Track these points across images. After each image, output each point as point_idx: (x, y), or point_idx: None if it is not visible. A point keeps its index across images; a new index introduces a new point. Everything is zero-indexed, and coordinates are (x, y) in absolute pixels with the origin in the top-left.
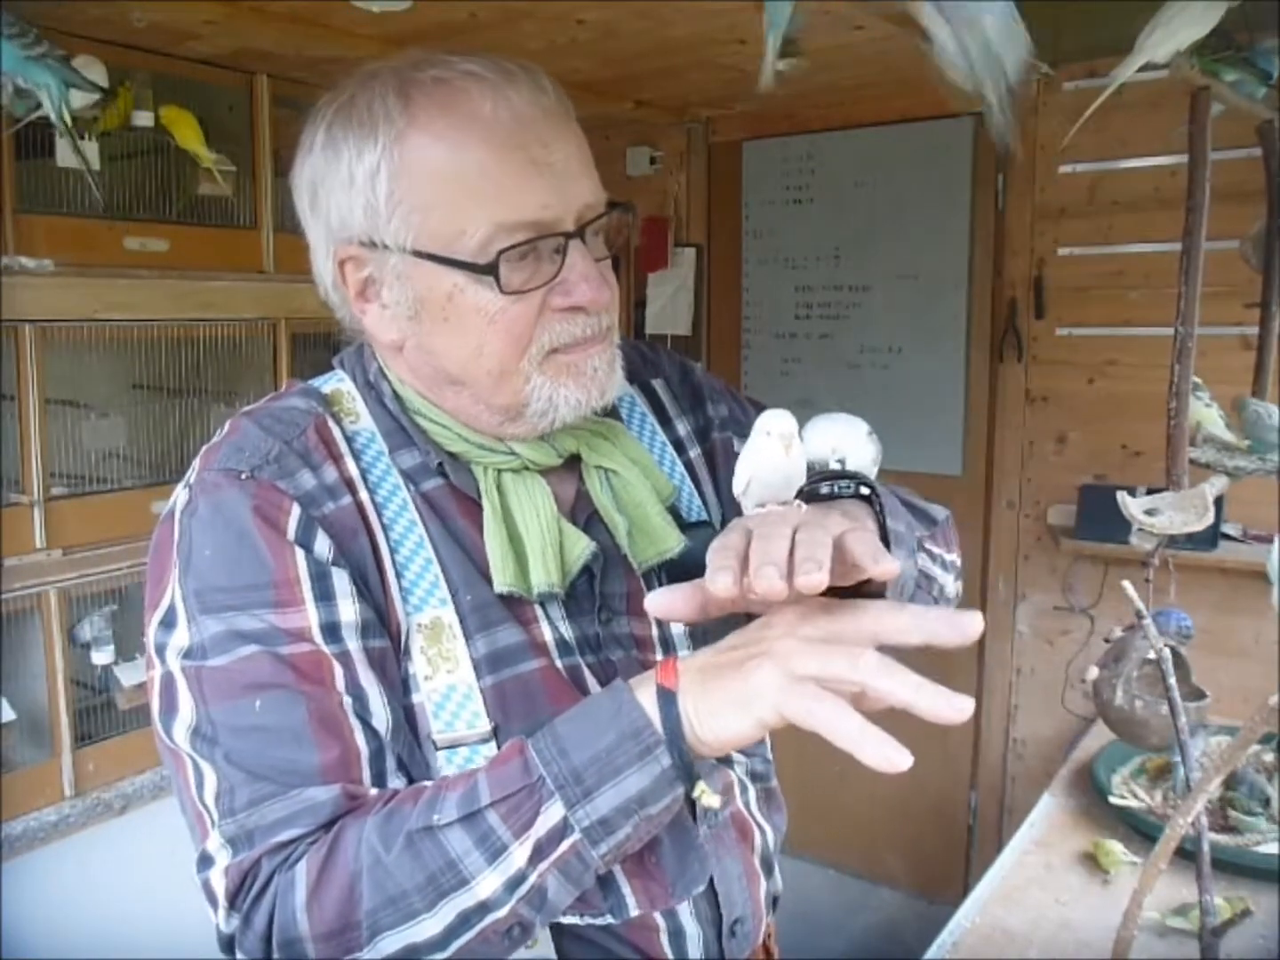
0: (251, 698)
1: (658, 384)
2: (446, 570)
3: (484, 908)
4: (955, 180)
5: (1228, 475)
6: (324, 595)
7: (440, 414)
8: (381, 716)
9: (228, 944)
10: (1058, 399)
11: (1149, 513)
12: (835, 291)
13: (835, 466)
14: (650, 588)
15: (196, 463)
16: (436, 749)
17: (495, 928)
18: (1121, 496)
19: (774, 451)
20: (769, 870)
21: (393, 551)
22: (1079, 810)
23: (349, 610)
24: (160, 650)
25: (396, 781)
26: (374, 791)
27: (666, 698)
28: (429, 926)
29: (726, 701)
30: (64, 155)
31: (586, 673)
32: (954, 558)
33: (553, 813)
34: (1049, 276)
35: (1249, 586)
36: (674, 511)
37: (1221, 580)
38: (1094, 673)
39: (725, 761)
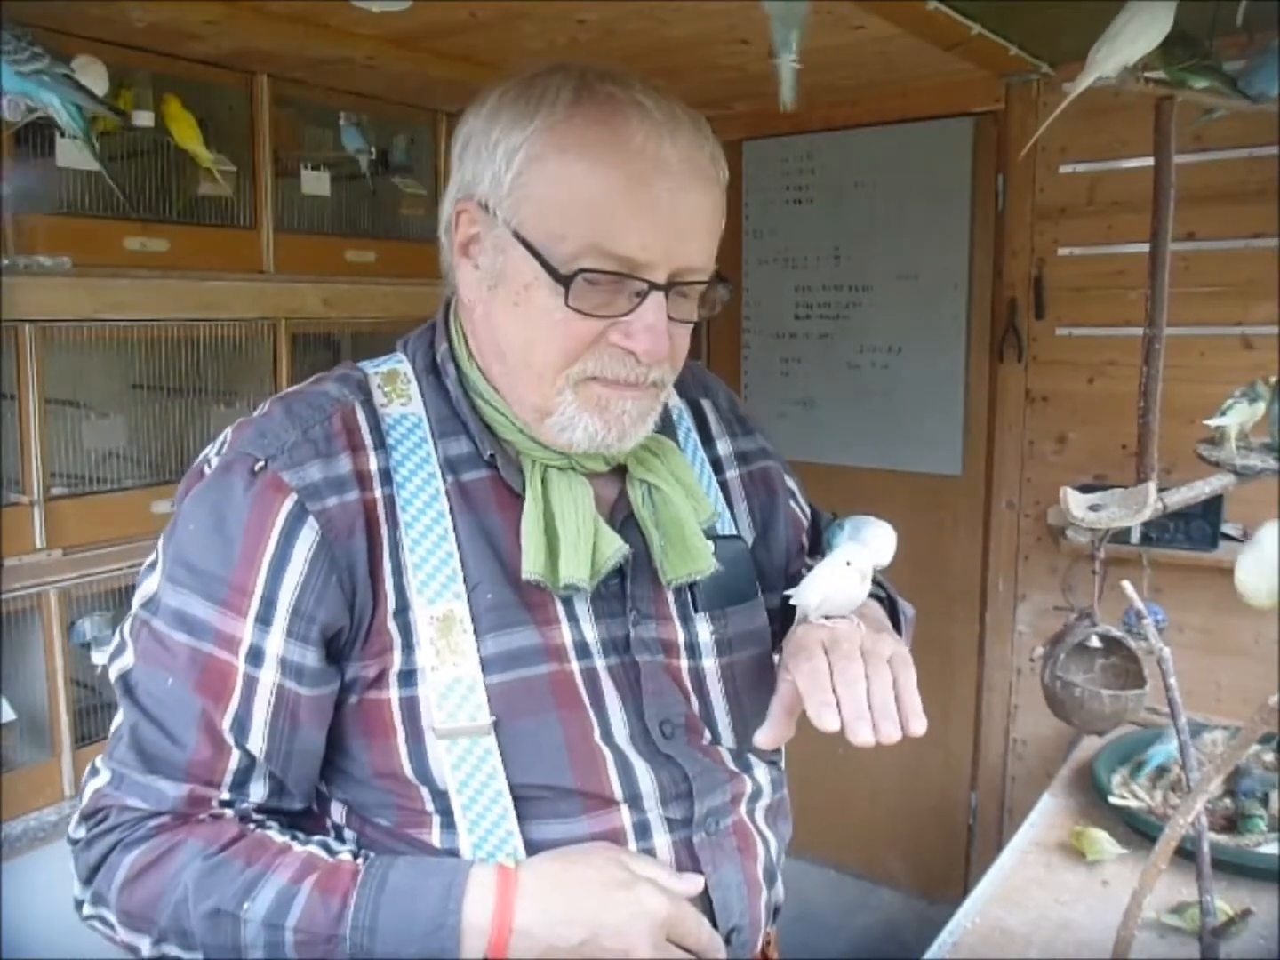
0: (165, 675)
1: (705, 404)
2: (467, 565)
3: None
4: (955, 180)
5: (1235, 474)
6: (263, 619)
7: (498, 399)
8: (258, 745)
9: (71, 840)
10: (1058, 399)
11: (1093, 508)
12: (835, 291)
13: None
14: (680, 599)
15: (229, 433)
16: (438, 738)
17: None
18: (1064, 491)
19: (851, 581)
20: (771, 880)
21: (406, 546)
22: (1079, 810)
23: (278, 644)
24: (136, 586)
25: (258, 790)
26: (224, 798)
27: None
28: None
29: None
30: (64, 155)
31: (604, 676)
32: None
33: None
34: (1049, 276)
35: None
36: (708, 531)
37: (1221, 580)
38: (1038, 651)
39: (746, 767)
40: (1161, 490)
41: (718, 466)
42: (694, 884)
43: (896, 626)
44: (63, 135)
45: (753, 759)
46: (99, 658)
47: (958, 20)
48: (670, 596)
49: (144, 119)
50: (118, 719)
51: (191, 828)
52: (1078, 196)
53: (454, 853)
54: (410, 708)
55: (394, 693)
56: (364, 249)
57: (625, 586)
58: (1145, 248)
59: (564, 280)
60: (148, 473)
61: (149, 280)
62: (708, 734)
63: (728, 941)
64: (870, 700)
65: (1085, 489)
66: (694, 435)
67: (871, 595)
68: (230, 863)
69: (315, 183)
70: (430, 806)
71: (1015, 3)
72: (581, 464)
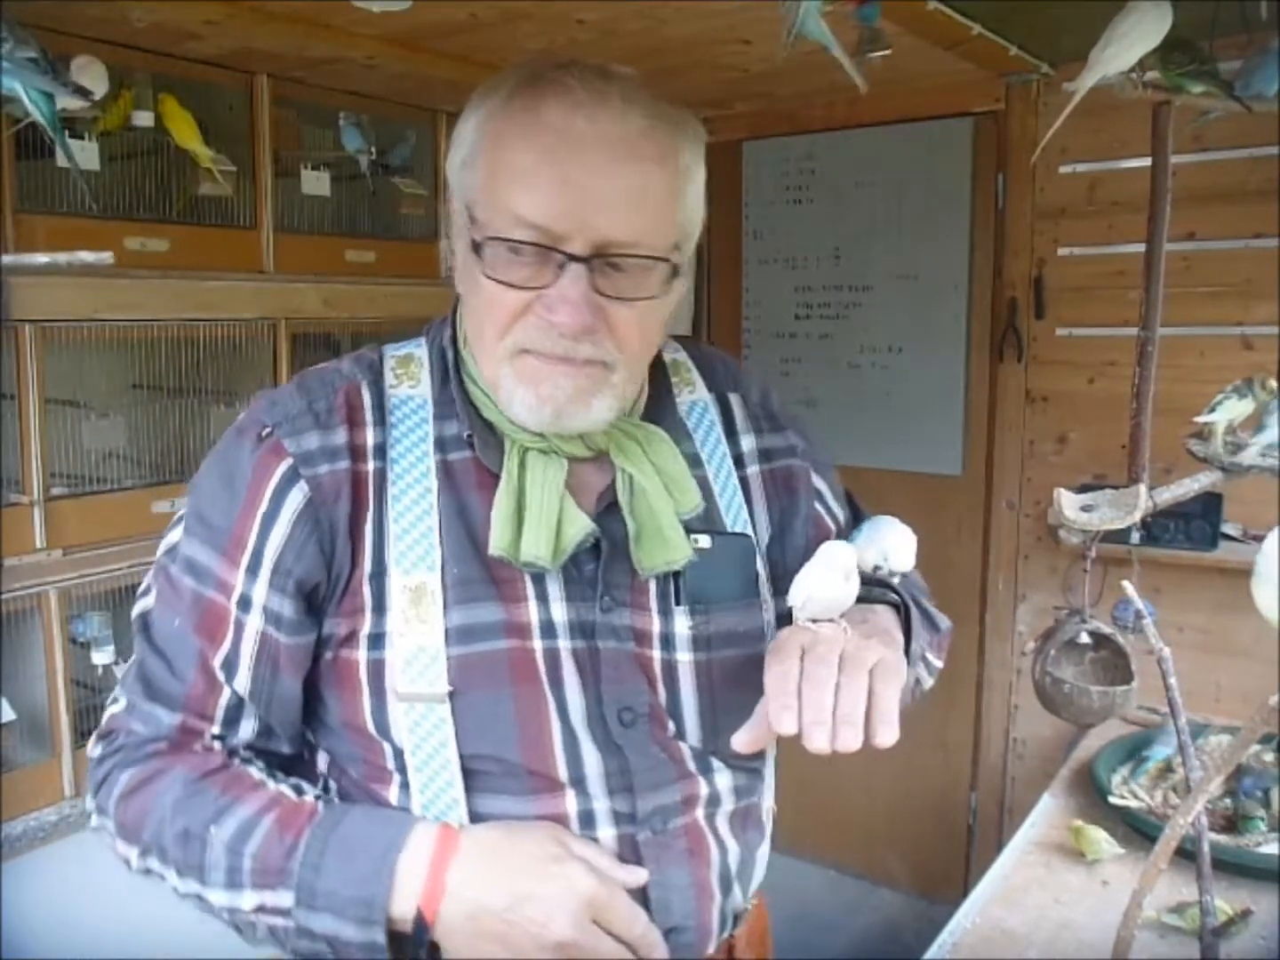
0: (173, 615)
1: (734, 398)
2: (443, 539)
3: (209, 905)
4: (955, 180)
5: (1223, 470)
6: (252, 570)
7: (484, 380)
8: (244, 684)
9: (89, 756)
10: (1058, 399)
11: (1085, 509)
12: (835, 291)
13: (883, 571)
14: (662, 590)
15: (251, 402)
16: (399, 700)
17: (218, 916)
18: (1057, 493)
19: (833, 582)
20: (727, 888)
21: (391, 518)
22: (1079, 810)
23: (263, 593)
24: (163, 537)
25: (247, 728)
26: (216, 732)
27: (419, 922)
28: (175, 881)
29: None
30: (64, 155)
31: (566, 657)
32: (939, 662)
33: (283, 897)
34: (1049, 276)
35: (1249, 586)
36: (710, 519)
37: (1221, 580)
38: (1029, 647)
39: (706, 769)
40: (1155, 489)
41: (739, 462)
42: (635, 876)
43: (909, 634)
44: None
45: (716, 762)
46: (99, 658)
47: (958, 20)
48: (652, 586)
49: (144, 119)
50: (135, 653)
51: (182, 756)
52: (1078, 196)
53: (407, 812)
54: (376, 669)
55: (363, 653)
56: (364, 249)
57: (599, 572)
58: (1145, 248)
59: (476, 248)
60: (148, 473)
61: (149, 280)
62: (672, 727)
63: (665, 940)
64: (837, 707)
65: (1085, 489)
66: (717, 429)
67: (881, 601)
68: (207, 790)
69: (315, 183)
70: (391, 764)
71: (1015, 3)
72: (559, 447)
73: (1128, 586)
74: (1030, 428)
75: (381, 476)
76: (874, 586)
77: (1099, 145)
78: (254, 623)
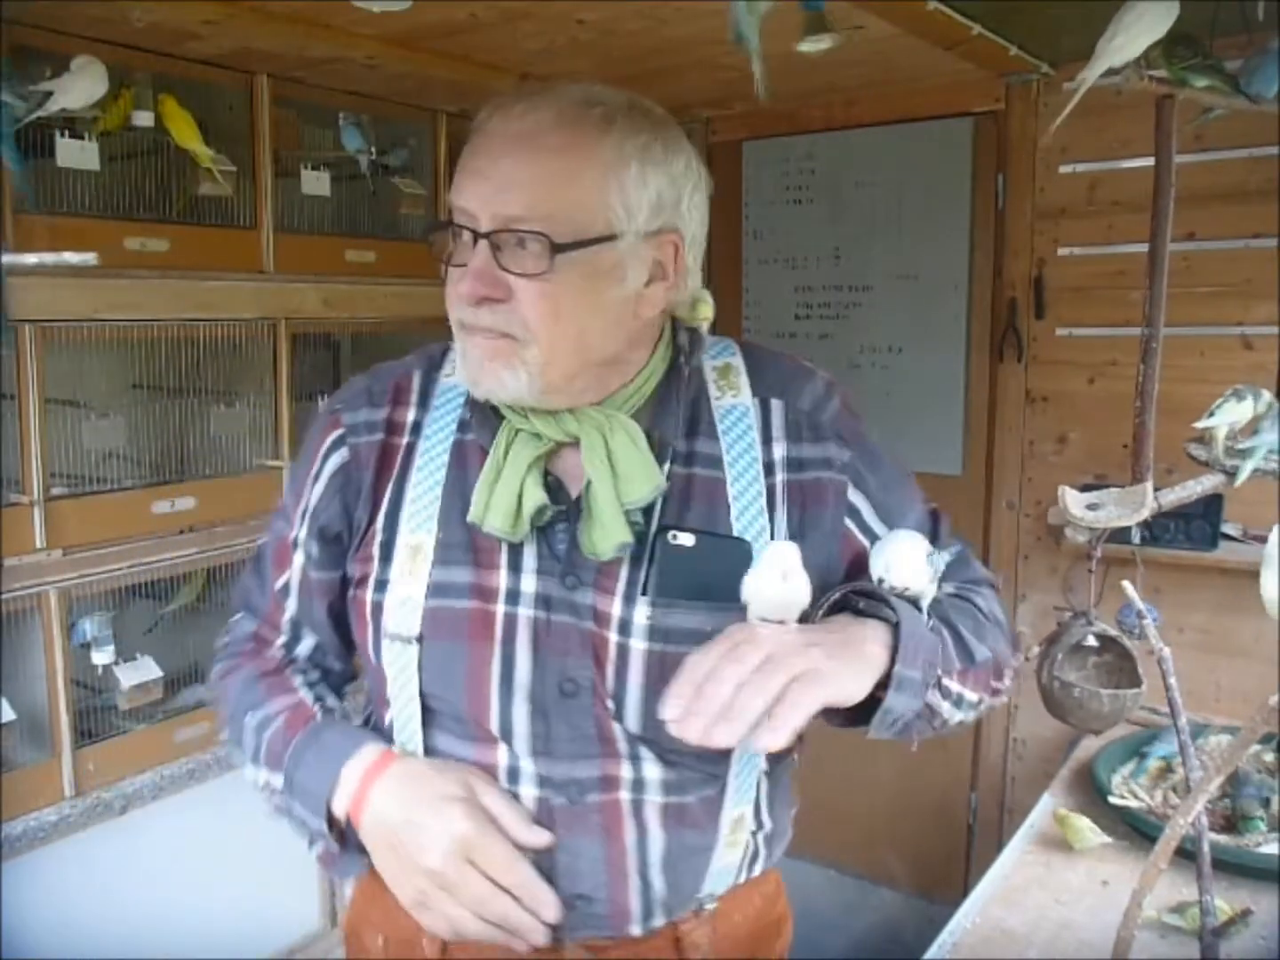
0: (267, 548)
1: (776, 403)
2: (443, 507)
3: (246, 777)
4: (955, 180)
5: (1225, 474)
6: (302, 517)
7: None
8: (293, 607)
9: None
10: (1058, 399)
11: (1091, 507)
12: (835, 291)
13: (886, 585)
14: (632, 576)
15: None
16: (385, 637)
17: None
18: (1062, 490)
19: (771, 580)
20: (647, 874)
21: (410, 484)
22: (1079, 810)
23: (303, 536)
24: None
25: (307, 644)
26: (282, 642)
27: (348, 821)
28: (234, 750)
29: (378, 865)
30: (64, 155)
31: (523, 623)
32: (975, 695)
33: (277, 780)
34: (1049, 276)
35: (1249, 586)
36: (713, 520)
37: (1221, 580)
38: (1034, 651)
39: (635, 755)
40: (1158, 490)
41: (769, 469)
42: (537, 837)
43: (905, 651)
44: (62, 135)
45: (647, 751)
46: (99, 658)
47: (958, 20)
48: (623, 572)
49: (144, 119)
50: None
51: (254, 658)
52: (1078, 196)
53: (376, 733)
54: (377, 609)
55: (369, 595)
56: (364, 249)
57: (567, 550)
58: (1145, 247)
59: (426, 229)
60: (148, 473)
61: (149, 280)
62: (611, 707)
63: (572, 906)
64: (733, 703)
65: (1086, 489)
66: (752, 434)
67: (876, 615)
68: (256, 687)
69: (315, 183)
70: (386, 693)
71: (1015, 3)
72: (539, 429)
73: (1128, 587)
74: (1030, 428)
75: (410, 450)
76: (876, 601)
77: (1099, 145)
78: (299, 559)
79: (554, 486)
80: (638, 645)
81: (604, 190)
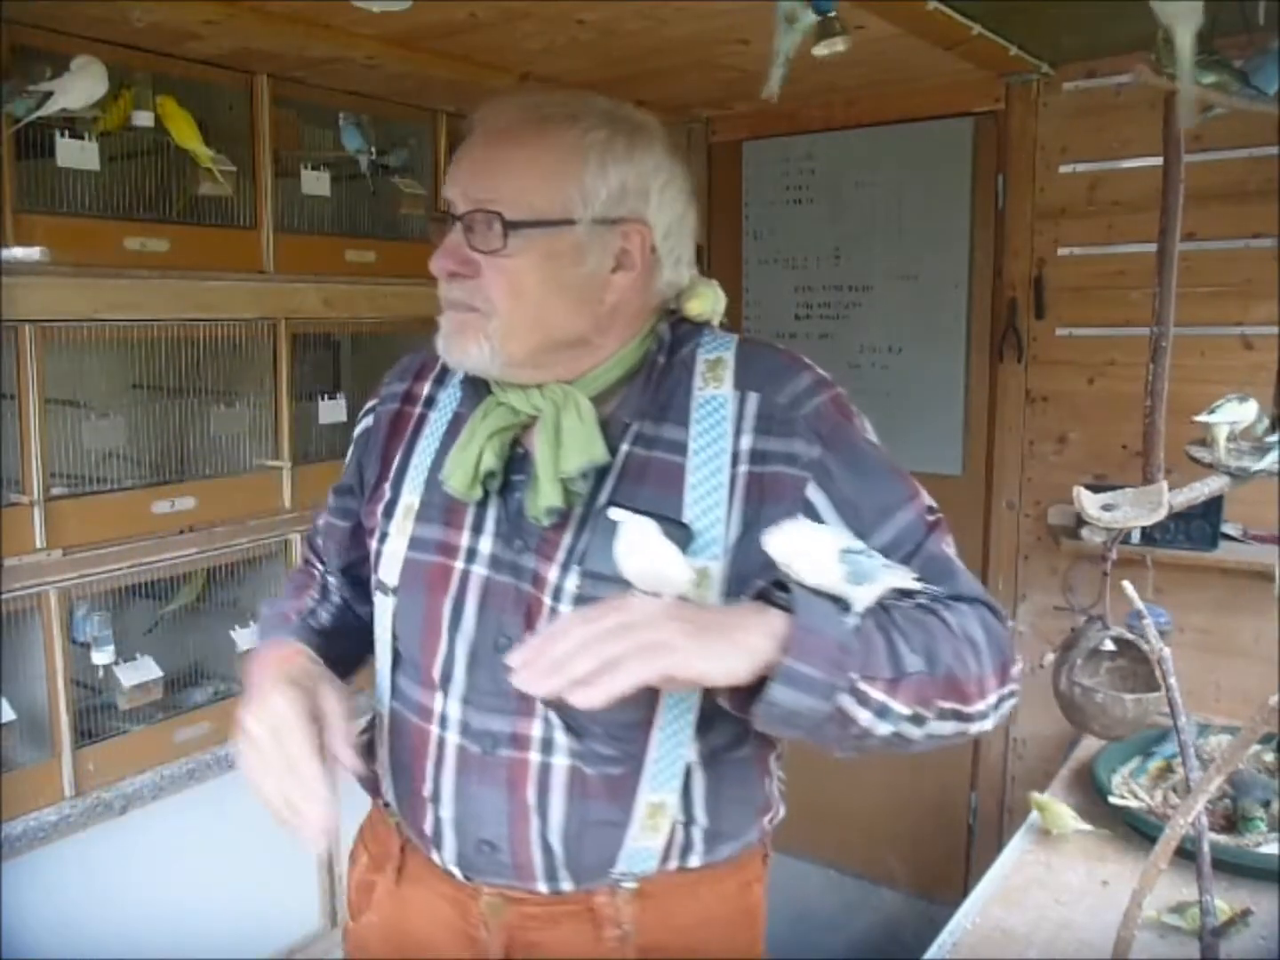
0: (326, 500)
1: (753, 396)
2: (431, 472)
3: None
4: (955, 180)
5: (1230, 475)
6: (345, 470)
7: None
8: (321, 543)
9: None
10: (1058, 399)
11: (1106, 508)
12: (835, 291)
13: (792, 576)
14: (574, 546)
15: None
16: (376, 587)
17: None
18: (1077, 490)
19: (621, 555)
20: (547, 835)
21: (417, 450)
22: (1079, 810)
23: (345, 480)
24: None
25: (333, 569)
26: (318, 567)
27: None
28: None
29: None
30: (64, 155)
31: (475, 580)
32: (907, 709)
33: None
34: (1049, 276)
35: (1249, 586)
36: (662, 503)
37: (1221, 580)
38: (1049, 658)
39: (546, 718)
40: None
41: (736, 459)
42: (346, 755)
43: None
44: (62, 135)
45: (558, 717)
46: (99, 658)
47: (958, 20)
48: (566, 540)
49: (144, 119)
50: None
51: (300, 573)
52: (1078, 196)
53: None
54: (377, 559)
55: (374, 544)
56: (364, 249)
57: (519, 516)
58: (1145, 248)
59: (428, 223)
60: (148, 473)
61: (149, 280)
62: None
63: (479, 851)
64: (565, 660)
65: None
66: (725, 424)
67: (779, 604)
68: (289, 588)
69: (315, 183)
70: (375, 636)
71: (1015, 3)
72: (510, 402)
73: (1128, 587)
74: (1030, 428)
75: (423, 420)
76: (782, 592)
77: (1099, 145)
78: (330, 502)
79: (521, 457)
80: (566, 611)
81: (560, 177)
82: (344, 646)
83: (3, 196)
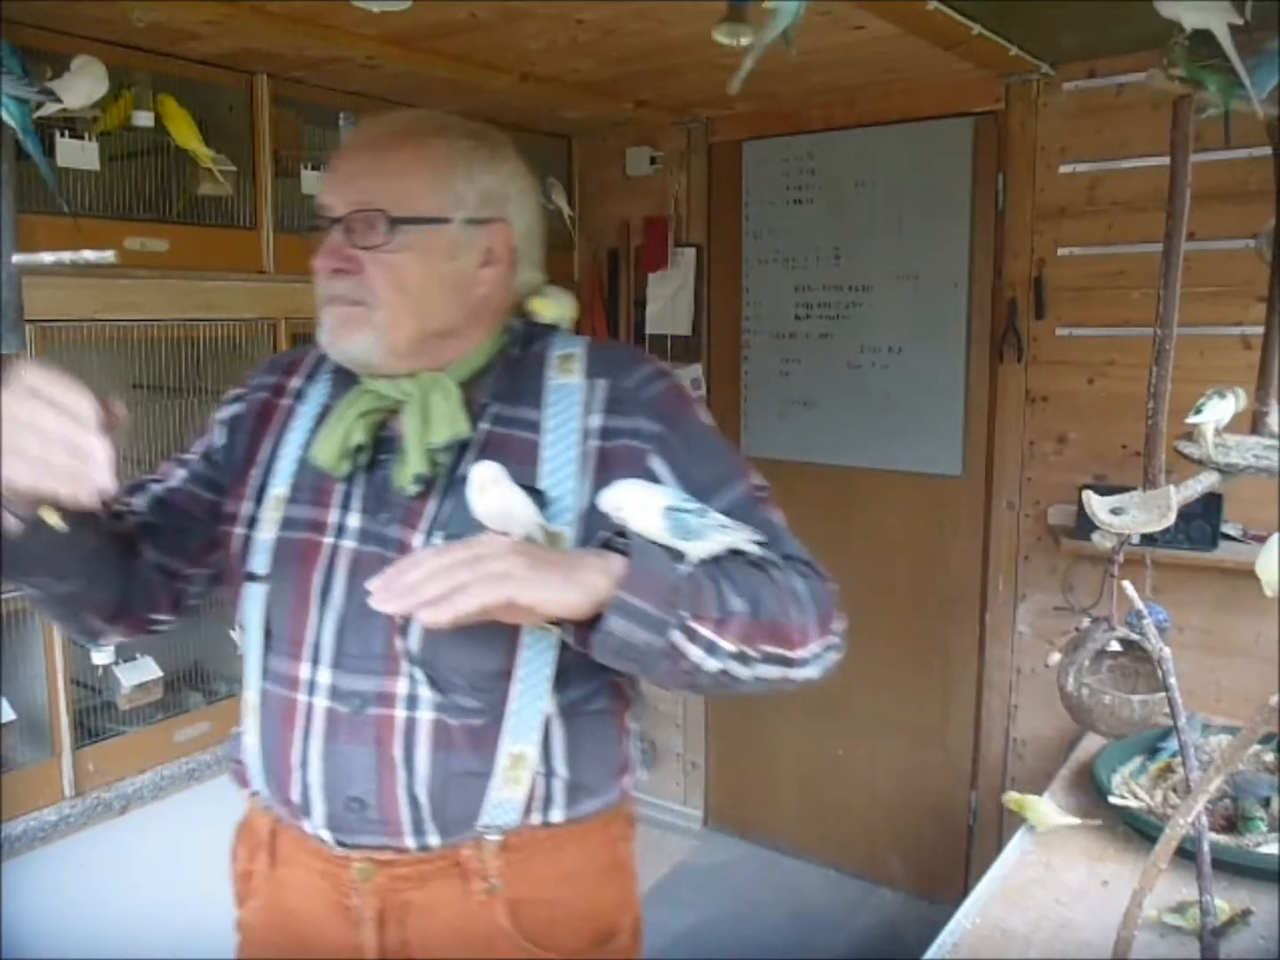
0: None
1: (601, 382)
2: (301, 459)
3: None
4: (955, 180)
5: (1219, 471)
6: (198, 448)
7: None
8: (156, 489)
9: None
10: (1058, 399)
11: (1114, 511)
12: (835, 291)
13: (620, 523)
14: (436, 515)
15: None
16: (246, 576)
17: None
18: (1086, 495)
19: (473, 495)
20: (414, 788)
21: (285, 442)
22: (1079, 810)
23: (194, 459)
24: None
25: (146, 513)
26: (133, 497)
27: None
28: None
29: None
30: (64, 155)
31: (345, 554)
32: (733, 647)
33: None
34: (1049, 276)
35: (1249, 586)
36: (520, 476)
37: (1221, 580)
38: (1055, 658)
39: (411, 675)
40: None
41: (586, 436)
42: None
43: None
44: (62, 135)
45: (423, 673)
46: (99, 658)
47: (958, 20)
48: (429, 510)
49: (144, 119)
50: None
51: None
52: (1078, 196)
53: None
54: (247, 545)
55: (240, 530)
56: None
57: (384, 490)
58: (1145, 248)
59: (303, 226)
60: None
61: (149, 280)
62: (400, 623)
63: (349, 809)
64: (418, 584)
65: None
66: (575, 407)
67: (618, 549)
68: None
69: (315, 183)
70: (245, 622)
71: (1015, 2)
72: (378, 390)
73: (1127, 587)
74: (1030, 428)
75: (291, 411)
76: (614, 538)
77: (1099, 145)
78: (180, 472)
79: (386, 439)
80: None
81: (434, 180)
82: (103, 556)
83: (2, 196)
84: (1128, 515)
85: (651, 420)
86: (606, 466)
